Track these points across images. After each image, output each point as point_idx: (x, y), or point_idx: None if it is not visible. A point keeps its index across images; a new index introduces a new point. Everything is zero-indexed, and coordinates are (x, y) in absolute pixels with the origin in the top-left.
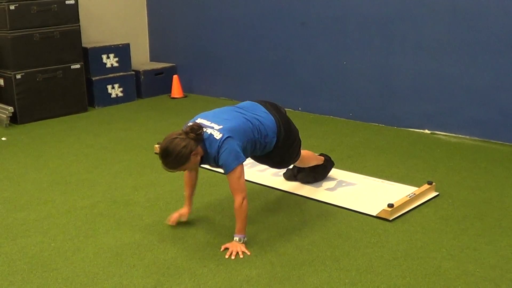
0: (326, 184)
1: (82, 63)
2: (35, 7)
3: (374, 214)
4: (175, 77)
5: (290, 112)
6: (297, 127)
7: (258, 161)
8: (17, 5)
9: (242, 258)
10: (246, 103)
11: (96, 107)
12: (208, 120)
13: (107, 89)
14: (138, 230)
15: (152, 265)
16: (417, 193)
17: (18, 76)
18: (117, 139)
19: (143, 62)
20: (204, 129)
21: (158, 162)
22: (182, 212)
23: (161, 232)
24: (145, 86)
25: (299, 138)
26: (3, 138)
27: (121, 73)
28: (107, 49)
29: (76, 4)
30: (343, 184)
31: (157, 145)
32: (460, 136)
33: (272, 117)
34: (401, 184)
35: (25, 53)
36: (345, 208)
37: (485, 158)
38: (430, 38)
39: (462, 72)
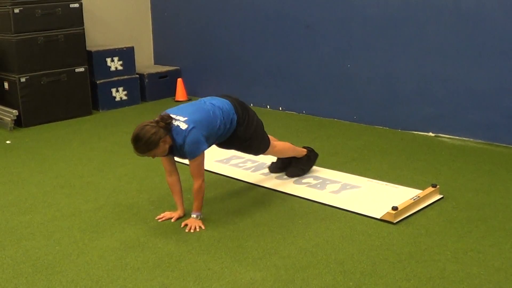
0: (330, 187)
1: (87, 66)
2: (39, 11)
3: (378, 217)
4: (179, 80)
5: (294, 115)
6: (301, 129)
7: (229, 148)
8: (22, 8)
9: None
10: (205, 98)
11: (100, 110)
12: (174, 114)
13: (111, 92)
14: (142, 233)
15: (156, 268)
16: (421, 196)
17: (23, 80)
18: (122, 142)
19: (147, 65)
20: (175, 122)
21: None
22: (177, 215)
23: (166, 235)
24: (149, 89)
25: (259, 121)
26: (8, 142)
27: (126, 76)
28: (112, 53)
29: (80, 8)
30: (347, 187)
31: None
32: (464, 139)
33: (226, 100)
34: (405, 187)
35: (29, 56)
36: (349, 211)
37: (489, 161)
38: (434, 41)
39: (466, 75)
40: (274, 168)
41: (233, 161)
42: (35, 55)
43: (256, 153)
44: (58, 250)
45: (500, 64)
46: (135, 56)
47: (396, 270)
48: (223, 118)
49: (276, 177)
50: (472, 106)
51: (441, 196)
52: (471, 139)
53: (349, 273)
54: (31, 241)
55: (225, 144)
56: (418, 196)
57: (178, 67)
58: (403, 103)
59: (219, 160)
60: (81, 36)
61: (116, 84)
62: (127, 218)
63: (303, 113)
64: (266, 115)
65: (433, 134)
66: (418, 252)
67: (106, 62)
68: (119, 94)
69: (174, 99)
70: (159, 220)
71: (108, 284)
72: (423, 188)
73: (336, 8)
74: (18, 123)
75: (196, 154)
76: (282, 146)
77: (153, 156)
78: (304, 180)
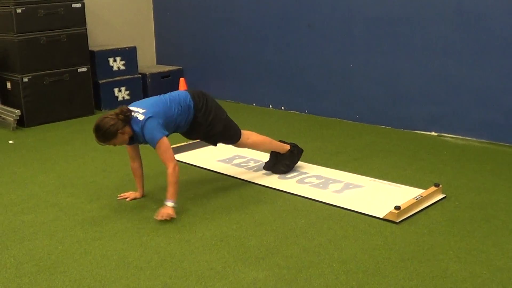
0: (333, 187)
1: (89, 66)
2: (42, 11)
3: (381, 216)
4: (181, 80)
5: (296, 115)
6: (303, 129)
7: (196, 136)
8: (24, 8)
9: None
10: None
11: (103, 110)
12: (135, 107)
13: (113, 92)
14: (145, 232)
15: (159, 267)
16: (424, 195)
17: (25, 79)
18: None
19: (149, 65)
20: (134, 114)
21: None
22: (136, 195)
23: (168, 235)
24: (151, 89)
25: (220, 110)
26: (10, 141)
27: (128, 76)
28: (114, 52)
29: (82, 8)
30: (350, 186)
31: None
32: (467, 138)
33: (184, 91)
34: (408, 186)
35: (32, 56)
36: (352, 210)
37: (492, 160)
38: (437, 40)
39: (469, 74)
40: (268, 166)
41: (236, 161)
42: (38, 55)
43: (225, 141)
44: (61, 249)
45: (503, 64)
46: (138, 56)
47: (398, 270)
48: (180, 106)
49: (279, 177)
50: (475, 105)
51: (444, 195)
52: (474, 139)
53: (352, 273)
54: (34, 241)
55: (190, 132)
56: (421, 196)
57: (180, 67)
58: (405, 102)
59: (221, 159)
60: (84, 36)
61: (119, 84)
62: (130, 218)
63: (305, 112)
64: (268, 114)
65: (435, 134)
66: (421, 251)
67: (108, 62)
68: (122, 93)
69: None
70: (119, 198)
71: (111, 284)
72: (425, 188)
73: (339, 7)
74: (21, 123)
75: (155, 140)
76: (257, 139)
77: (114, 145)
78: (307, 180)
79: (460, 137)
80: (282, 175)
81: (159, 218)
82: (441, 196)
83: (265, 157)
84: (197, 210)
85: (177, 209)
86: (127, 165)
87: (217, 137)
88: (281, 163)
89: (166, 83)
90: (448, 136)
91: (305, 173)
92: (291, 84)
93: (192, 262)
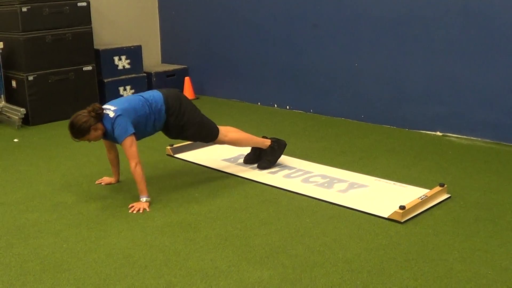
0: (337, 186)
1: (94, 65)
2: (47, 9)
3: (386, 216)
4: (186, 79)
5: (301, 114)
6: (308, 128)
7: (172, 136)
8: (30, 7)
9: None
10: (145, 92)
11: None
12: (109, 105)
13: (119, 90)
14: (149, 231)
15: (164, 266)
16: (428, 195)
17: (30, 78)
18: None
19: (154, 64)
20: (105, 111)
21: (171, 164)
22: (111, 180)
23: (173, 234)
24: (156, 88)
25: (195, 112)
26: (15, 140)
27: (133, 75)
28: (119, 51)
29: (88, 6)
30: (355, 186)
31: (169, 147)
32: (472, 138)
33: (160, 93)
34: (412, 186)
35: (37, 54)
36: (357, 210)
37: (497, 160)
38: (442, 40)
39: (474, 74)
40: (247, 159)
41: (241, 160)
42: (43, 53)
43: (202, 140)
44: (65, 248)
45: (509, 64)
46: (143, 55)
47: (403, 269)
48: (151, 108)
49: (284, 176)
50: (480, 105)
51: (449, 195)
52: (479, 139)
53: (357, 272)
54: (39, 239)
55: (166, 132)
56: (426, 196)
57: (186, 66)
58: (410, 102)
59: (226, 159)
60: (89, 35)
61: (124, 83)
62: (134, 217)
63: (310, 112)
64: (273, 114)
65: (440, 134)
66: (425, 251)
67: (113, 60)
68: (127, 92)
69: None
70: (96, 183)
71: (115, 282)
72: (430, 188)
73: (344, 7)
74: (26, 121)
75: (122, 137)
76: (236, 136)
77: (89, 141)
78: (312, 179)
79: (465, 137)
80: (287, 175)
81: (131, 211)
82: (446, 196)
83: None
84: (201, 209)
85: (181, 208)
86: None
87: (191, 138)
88: (263, 159)
89: (171, 82)
90: (453, 136)
91: (310, 172)
92: (296, 84)
93: (197, 261)
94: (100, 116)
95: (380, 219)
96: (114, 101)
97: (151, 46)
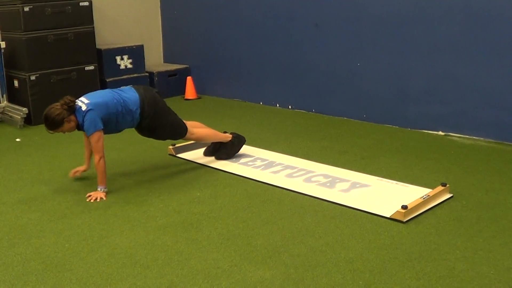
0: (339, 186)
1: (96, 64)
2: (49, 9)
3: (388, 216)
4: (188, 78)
5: (304, 114)
6: (310, 128)
7: (145, 135)
8: (32, 6)
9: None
10: (124, 87)
11: None
12: (84, 97)
13: None
14: (151, 231)
15: (166, 266)
16: (431, 195)
17: (33, 78)
18: (131, 140)
19: (156, 64)
20: (78, 103)
21: (172, 163)
22: (82, 169)
23: (175, 233)
24: (158, 87)
25: (168, 115)
26: (18, 139)
27: (135, 75)
28: (121, 51)
29: (90, 6)
30: (357, 186)
31: (171, 147)
32: (474, 138)
33: (137, 94)
34: (415, 186)
35: (39, 54)
36: (359, 210)
37: (499, 160)
38: (444, 40)
39: (476, 74)
40: (207, 152)
41: (243, 160)
42: (45, 53)
43: (171, 138)
44: (67, 247)
45: (511, 63)
46: (145, 54)
47: (405, 269)
48: (125, 107)
49: (286, 176)
50: (482, 105)
51: (451, 195)
52: (481, 138)
53: (359, 272)
54: (41, 239)
55: (138, 131)
56: (428, 195)
57: (188, 66)
58: (412, 101)
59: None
60: (91, 34)
61: (126, 82)
62: (136, 216)
63: (312, 111)
64: (275, 113)
65: (442, 133)
66: (427, 251)
67: (115, 60)
68: None
69: (184, 97)
70: (70, 176)
71: (117, 282)
72: (433, 187)
73: (346, 7)
74: (28, 121)
75: (91, 131)
76: (202, 132)
77: (63, 132)
78: (314, 179)
79: (467, 136)
80: (289, 174)
81: (88, 199)
82: (448, 195)
83: (271, 156)
84: (203, 209)
85: (183, 208)
86: (133, 164)
87: (160, 138)
88: (222, 152)
89: (173, 81)
90: (455, 135)
91: (312, 172)
92: (298, 83)
93: (199, 261)
94: (72, 108)
95: (382, 218)
96: (89, 94)
97: (153, 46)
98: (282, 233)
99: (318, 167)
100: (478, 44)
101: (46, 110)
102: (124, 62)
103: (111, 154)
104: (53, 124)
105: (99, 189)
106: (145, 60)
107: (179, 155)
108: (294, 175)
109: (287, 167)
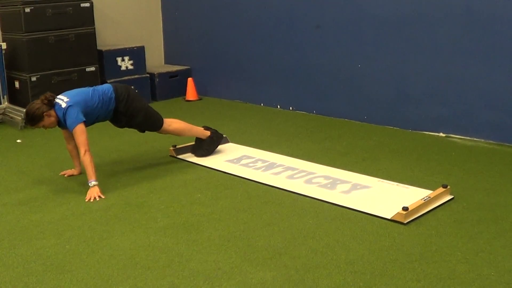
0: (340, 187)
1: (97, 65)
2: (50, 10)
3: (389, 217)
4: (189, 79)
5: (304, 115)
6: (311, 129)
7: (121, 124)
8: (33, 8)
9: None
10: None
11: None
12: (62, 95)
13: None
14: (152, 232)
15: (166, 267)
16: (432, 197)
17: (33, 79)
18: (132, 141)
19: (157, 65)
20: (58, 101)
21: (173, 164)
22: (73, 172)
23: (176, 235)
24: (159, 88)
25: (141, 102)
26: (18, 140)
27: (136, 76)
28: (122, 52)
29: (91, 7)
30: (358, 187)
31: (172, 148)
32: (475, 139)
33: (109, 84)
34: (415, 187)
35: (40, 55)
36: (360, 211)
37: (500, 162)
38: (445, 41)
39: (477, 75)
40: (192, 149)
41: (244, 161)
42: (46, 54)
43: (148, 128)
44: (68, 249)
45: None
46: (146, 56)
47: (406, 271)
48: (102, 97)
49: (287, 177)
50: (483, 106)
51: (452, 196)
52: (482, 140)
53: (360, 274)
54: (42, 240)
55: (115, 121)
56: (429, 197)
57: (189, 67)
58: (413, 103)
59: (229, 160)
60: (92, 36)
61: (127, 84)
62: (137, 217)
63: (313, 113)
64: (276, 114)
65: (443, 135)
66: (428, 252)
67: (116, 61)
68: None
69: (185, 98)
70: (60, 174)
71: (118, 284)
72: (433, 189)
73: (347, 8)
74: None
75: (73, 126)
76: (179, 126)
77: (45, 127)
78: (315, 180)
79: (468, 138)
80: (290, 176)
81: (87, 199)
82: (449, 197)
83: (272, 157)
84: (204, 210)
85: (184, 209)
86: (134, 164)
87: (140, 125)
88: (201, 148)
89: (174, 82)
90: (456, 137)
91: (313, 173)
92: (299, 85)
93: (200, 262)
94: (51, 103)
95: (383, 220)
96: (66, 92)
97: (154, 47)
98: (282, 234)
99: (319, 168)
100: (479, 46)
101: (28, 106)
102: (125, 63)
103: (111, 156)
104: (34, 118)
105: (89, 183)
106: (146, 61)
107: (179, 157)
108: (295, 176)
109: (288, 168)
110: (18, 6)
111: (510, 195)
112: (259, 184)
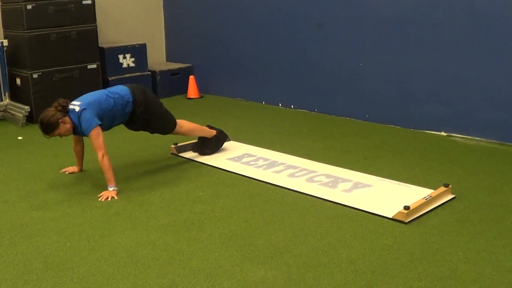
0: (342, 186)
1: (99, 63)
2: (52, 7)
3: (390, 216)
4: (191, 77)
5: (306, 113)
6: (313, 128)
7: (136, 128)
8: (34, 5)
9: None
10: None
11: None
12: (75, 100)
13: None
14: (153, 230)
15: (167, 265)
16: (433, 196)
17: (35, 76)
18: (133, 139)
19: (159, 62)
20: (71, 107)
21: (174, 163)
22: (74, 169)
23: (177, 233)
24: (161, 86)
25: (159, 105)
26: (20, 137)
27: (138, 73)
28: (124, 49)
29: (93, 4)
30: (359, 186)
31: (173, 146)
32: (476, 138)
33: (125, 87)
34: (417, 187)
35: (42, 52)
36: (361, 210)
37: (502, 161)
38: (447, 40)
39: (479, 74)
40: (194, 148)
41: (245, 159)
42: (48, 51)
43: (163, 131)
44: (69, 246)
45: None
46: (147, 53)
47: (407, 270)
48: (118, 100)
49: (288, 175)
50: (485, 105)
51: (453, 196)
52: (484, 139)
53: (361, 273)
54: (42, 237)
55: (130, 124)
56: (430, 196)
57: (190, 65)
58: (415, 102)
59: (230, 158)
60: (94, 33)
61: (128, 81)
62: (138, 215)
63: (315, 111)
64: (278, 113)
65: (445, 134)
66: (429, 252)
67: (118, 59)
68: None
69: (186, 96)
70: (61, 172)
71: (119, 281)
72: (435, 188)
73: (348, 7)
74: (30, 119)
75: (89, 129)
76: (189, 127)
77: (60, 136)
78: (316, 178)
79: (470, 137)
80: (291, 174)
81: (100, 199)
82: (450, 196)
83: (273, 156)
84: (205, 208)
85: (185, 207)
86: (135, 162)
87: (154, 130)
88: (207, 147)
89: (175, 80)
90: (458, 136)
91: (314, 171)
92: (300, 83)
93: (201, 260)
94: (66, 109)
95: (385, 219)
96: (79, 97)
97: (156, 45)
98: (284, 233)
99: (320, 167)
100: (481, 45)
101: (41, 114)
102: (127, 61)
103: (112, 153)
104: (49, 127)
105: (109, 188)
106: (148, 59)
107: (180, 154)
108: (296, 174)
109: (289, 166)
110: (20, 3)
111: (511, 195)
112: (260, 182)
